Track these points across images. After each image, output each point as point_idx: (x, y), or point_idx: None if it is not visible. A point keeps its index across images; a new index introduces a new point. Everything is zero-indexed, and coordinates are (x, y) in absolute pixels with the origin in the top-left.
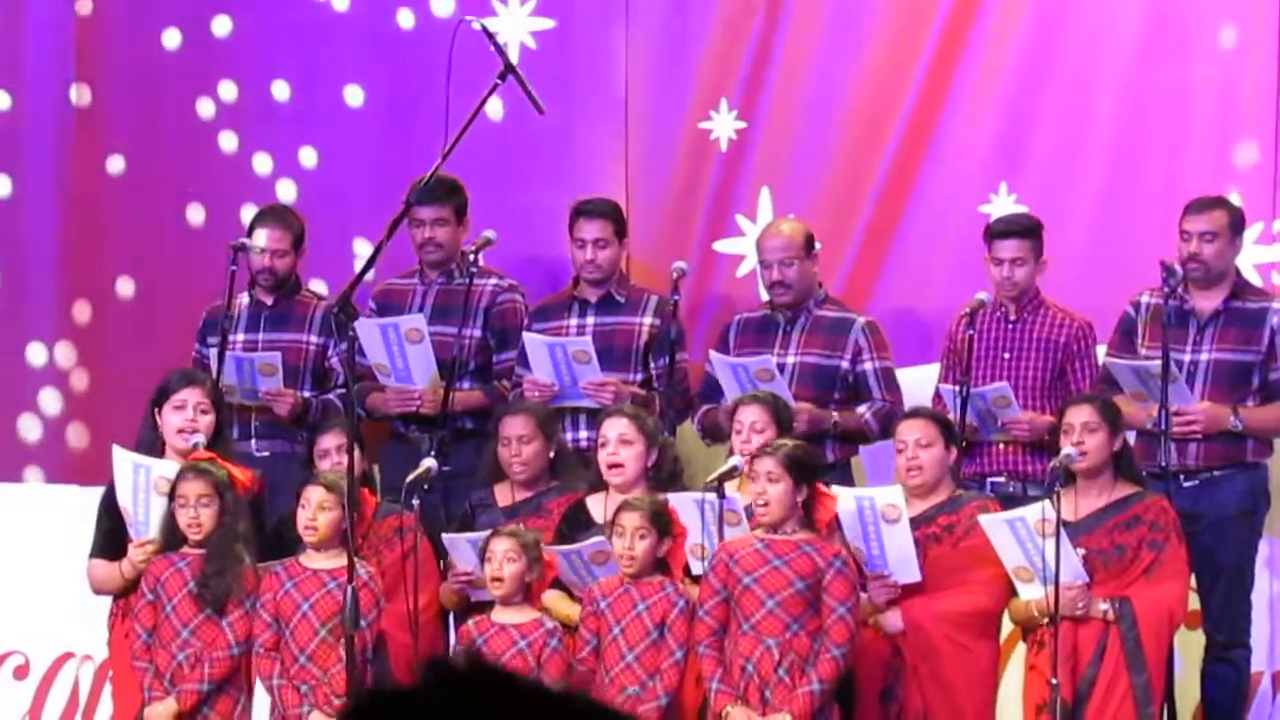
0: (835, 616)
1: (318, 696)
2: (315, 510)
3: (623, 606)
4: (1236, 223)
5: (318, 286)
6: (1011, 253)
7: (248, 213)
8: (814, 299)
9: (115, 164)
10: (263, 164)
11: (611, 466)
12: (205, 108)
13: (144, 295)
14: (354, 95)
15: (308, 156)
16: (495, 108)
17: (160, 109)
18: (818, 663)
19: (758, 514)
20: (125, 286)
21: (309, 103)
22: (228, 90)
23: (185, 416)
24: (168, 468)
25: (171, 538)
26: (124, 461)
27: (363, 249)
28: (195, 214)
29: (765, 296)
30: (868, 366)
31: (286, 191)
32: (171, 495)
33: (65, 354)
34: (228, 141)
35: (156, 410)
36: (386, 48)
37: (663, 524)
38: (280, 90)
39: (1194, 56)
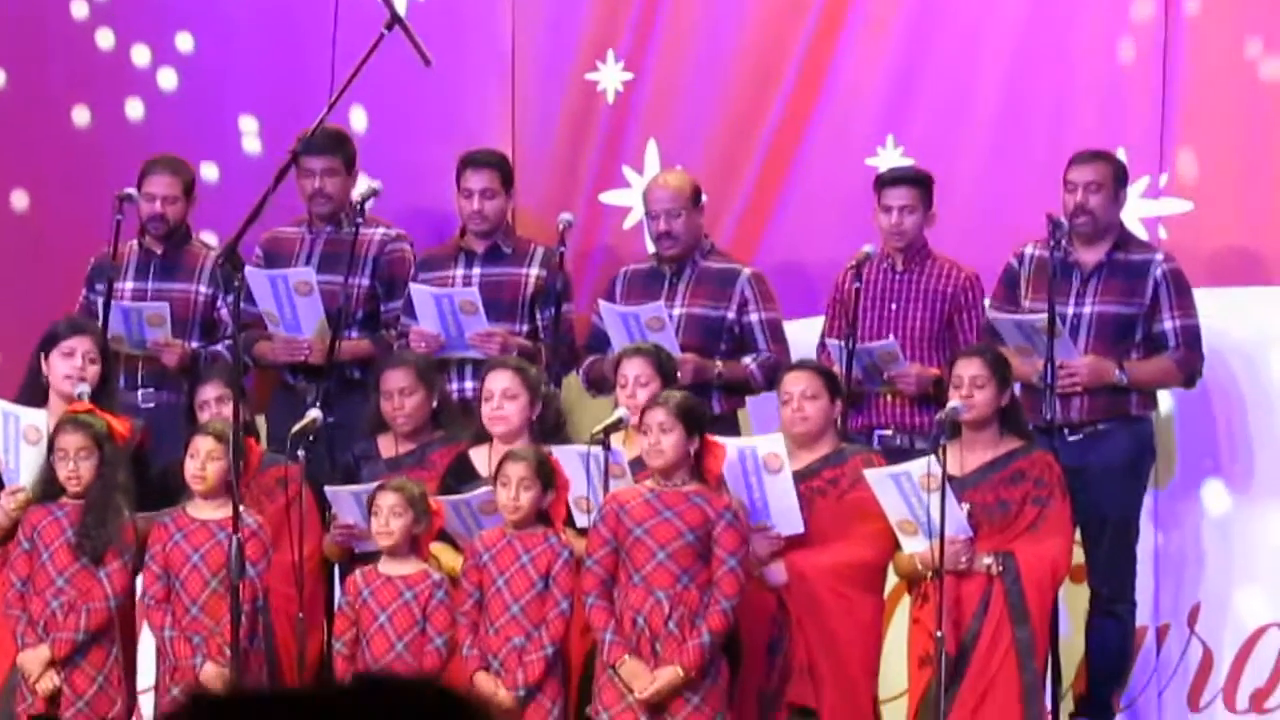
0: (725, 568)
1: (210, 647)
2: (204, 460)
3: (506, 558)
4: (1120, 176)
5: (209, 170)
6: (900, 200)
7: (132, 107)
8: (700, 250)
9: None
10: (141, 56)
11: (495, 420)
12: (79, 9)
13: (38, 206)
14: None
15: (184, 42)
16: (381, 58)
17: (35, 16)
18: (707, 615)
19: (651, 461)
20: (20, 200)
21: None
22: None
23: (74, 364)
24: (37, 416)
25: (49, 488)
26: None
27: (249, 126)
28: (81, 115)
29: (652, 248)
30: (753, 318)
31: (168, 79)
32: (51, 447)
33: None
34: (104, 39)
35: (44, 356)
36: None
37: (546, 475)
38: None
39: (1081, 10)
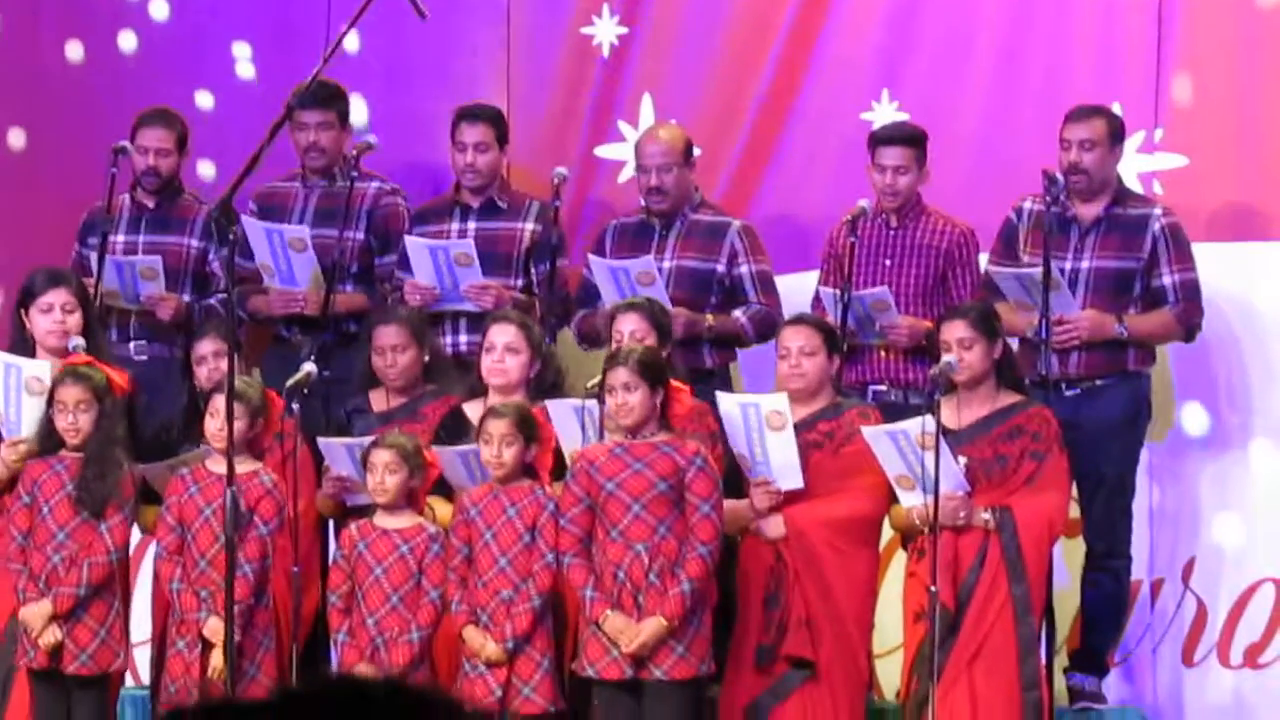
0: (700, 514)
1: (216, 602)
2: (224, 420)
3: (493, 512)
4: (1116, 131)
5: (204, 98)
6: (894, 160)
7: (125, 39)
8: (690, 204)
9: None
10: None
11: (495, 372)
12: None
13: (35, 144)
14: None
15: None
16: (377, 11)
17: None
18: (685, 562)
19: (620, 420)
20: (16, 138)
21: None
22: None
23: (54, 319)
24: (39, 368)
25: (48, 441)
26: None
27: (242, 52)
28: (74, 51)
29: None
30: (744, 270)
31: (159, 10)
32: (50, 399)
33: None
34: None
35: (23, 312)
36: None
37: (529, 430)
38: None
39: None
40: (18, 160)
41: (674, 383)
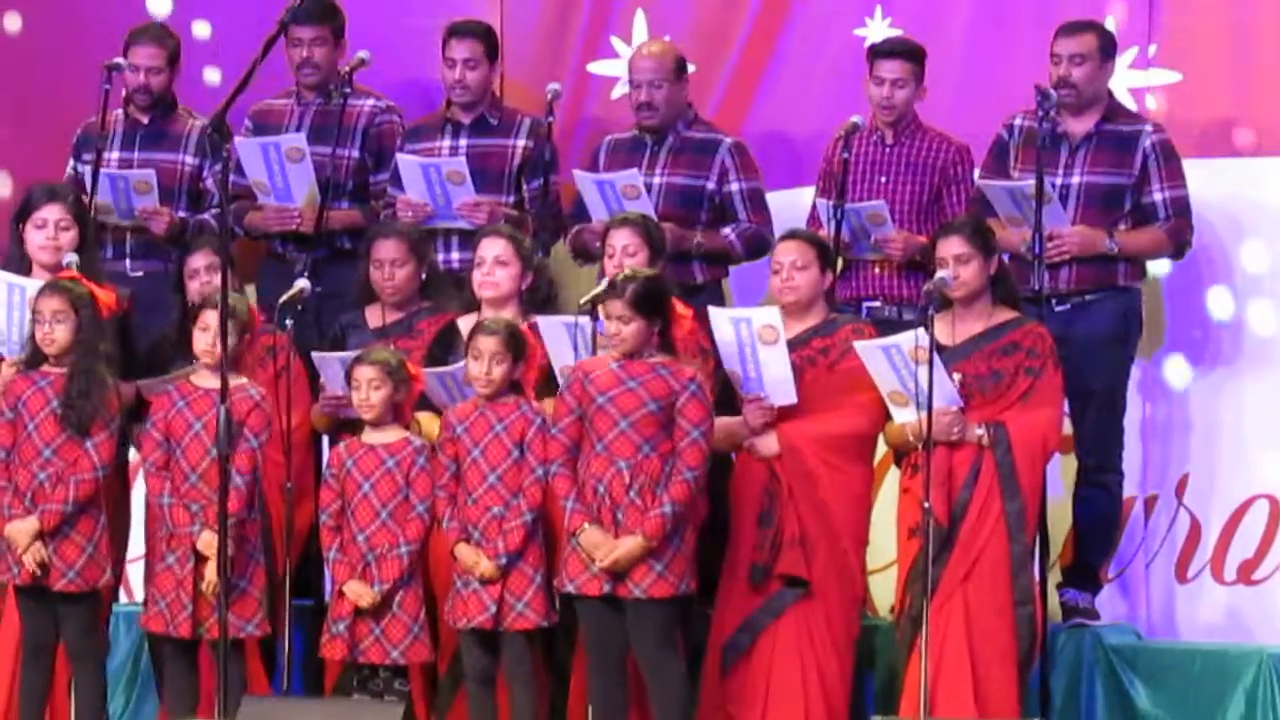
0: (688, 440)
1: (208, 515)
2: (215, 334)
3: (481, 428)
4: (1107, 46)
5: (200, 28)
6: (893, 73)
7: None
8: (683, 120)
9: None
10: None
11: (485, 285)
12: None
13: (30, 27)
14: None
15: None
16: None
17: None
18: (670, 485)
19: (613, 347)
20: (12, 22)
21: None
22: None
23: (46, 234)
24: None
25: (35, 355)
26: None
27: None
28: None
29: None
30: (734, 187)
31: None
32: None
33: None
34: None
35: (21, 226)
36: None
37: (518, 347)
38: None
39: None
40: (12, 43)
41: (677, 305)
